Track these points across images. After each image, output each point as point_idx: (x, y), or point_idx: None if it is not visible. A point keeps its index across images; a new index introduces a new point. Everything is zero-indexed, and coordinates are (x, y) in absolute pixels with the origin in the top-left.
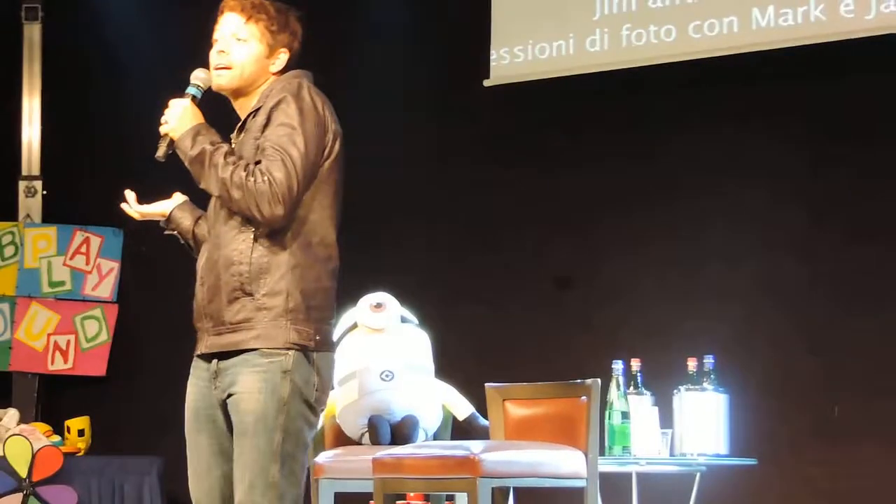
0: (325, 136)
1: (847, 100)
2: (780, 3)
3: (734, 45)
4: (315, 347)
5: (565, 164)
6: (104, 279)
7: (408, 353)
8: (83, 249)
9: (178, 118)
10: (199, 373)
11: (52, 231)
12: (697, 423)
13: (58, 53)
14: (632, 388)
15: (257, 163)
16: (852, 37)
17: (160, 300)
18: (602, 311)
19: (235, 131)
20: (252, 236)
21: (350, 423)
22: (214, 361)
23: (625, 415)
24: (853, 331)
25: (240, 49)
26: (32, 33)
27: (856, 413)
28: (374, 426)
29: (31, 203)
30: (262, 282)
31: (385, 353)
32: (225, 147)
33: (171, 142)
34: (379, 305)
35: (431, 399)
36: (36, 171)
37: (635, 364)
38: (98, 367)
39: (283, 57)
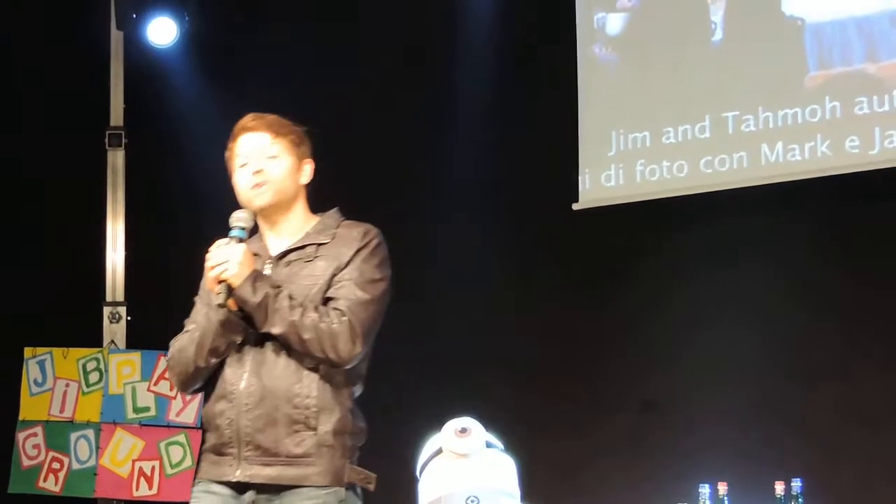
0: (390, 289)
1: None
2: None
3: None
4: (364, 486)
5: (649, 289)
6: (188, 405)
7: (493, 478)
8: (167, 375)
9: (239, 264)
10: (218, 499)
11: (136, 357)
12: None
13: (140, 179)
14: None
15: (328, 300)
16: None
17: None
18: (688, 434)
19: (274, 259)
20: (317, 374)
21: None
22: (251, 492)
23: None
24: None
25: (274, 165)
26: (116, 159)
27: None
28: None
29: (115, 329)
30: (325, 418)
31: (470, 478)
32: (285, 291)
33: (230, 288)
34: (464, 430)
35: None
36: (120, 296)
37: (722, 488)
38: (183, 493)
39: (308, 168)
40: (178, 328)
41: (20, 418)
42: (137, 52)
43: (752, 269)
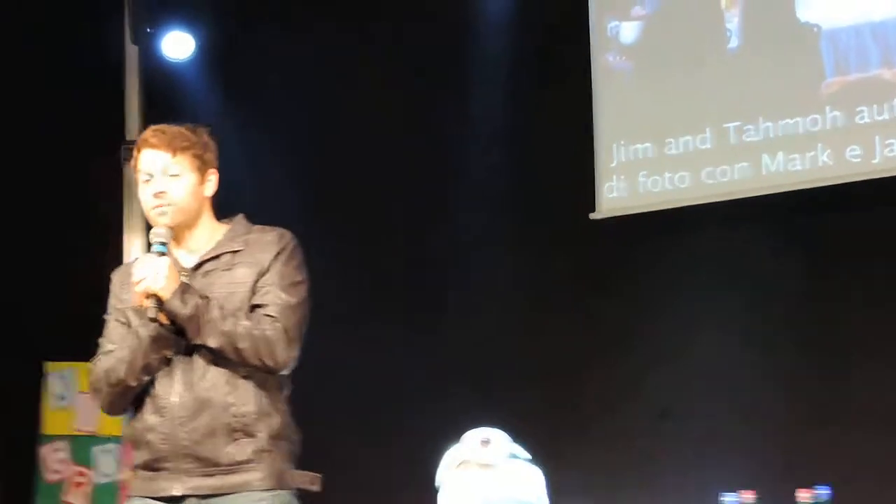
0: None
1: None
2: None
3: None
4: (308, 488)
5: (664, 296)
6: None
7: (517, 489)
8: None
9: (166, 278)
10: None
11: None
12: None
13: None
14: None
15: (255, 306)
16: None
17: None
18: (710, 443)
19: (189, 270)
20: (252, 381)
21: None
22: (193, 501)
23: None
24: None
25: (175, 185)
26: (132, 173)
27: None
28: None
29: None
30: (264, 424)
31: (494, 489)
32: (214, 300)
33: (159, 301)
34: (486, 441)
35: None
36: None
37: (747, 496)
38: None
39: (213, 178)
40: None
41: (43, 433)
42: (153, 67)
43: (769, 275)
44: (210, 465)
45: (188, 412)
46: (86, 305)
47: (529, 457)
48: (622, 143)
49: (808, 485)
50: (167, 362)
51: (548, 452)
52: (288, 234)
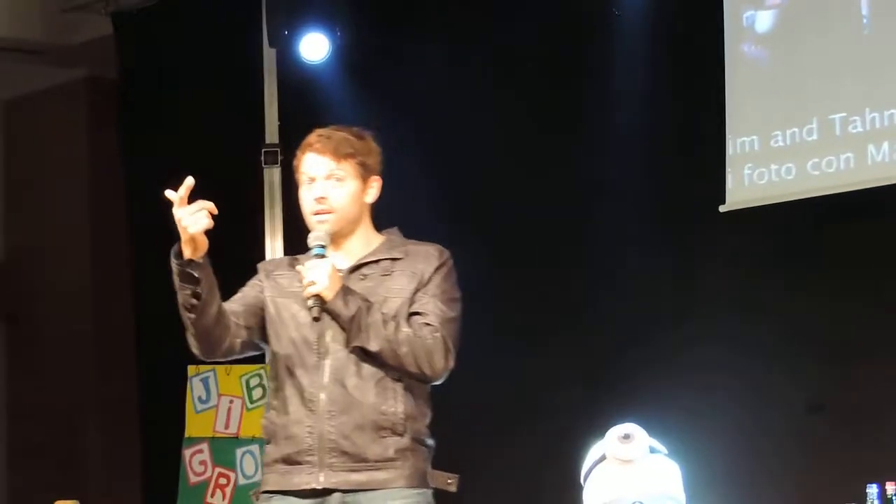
0: None
1: None
2: None
3: None
4: (446, 488)
5: (820, 286)
6: None
7: (658, 483)
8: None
9: (329, 279)
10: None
11: None
12: None
13: (296, 196)
14: None
15: (413, 314)
16: None
17: None
18: (855, 433)
19: (346, 272)
20: (402, 384)
21: None
22: (338, 495)
23: None
24: None
25: (338, 192)
26: (272, 176)
27: None
28: None
29: None
30: (411, 425)
31: (635, 483)
32: (376, 304)
33: (322, 302)
34: (627, 437)
35: None
36: None
37: (891, 487)
38: None
39: (375, 185)
40: None
41: (186, 435)
42: (291, 69)
43: None
44: (357, 461)
45: (337, 407)
46: None
47: (667, 451)
48: (757, 133)
49: None
50: (315, 357)
51: (686, 446)
52: (447, 252)
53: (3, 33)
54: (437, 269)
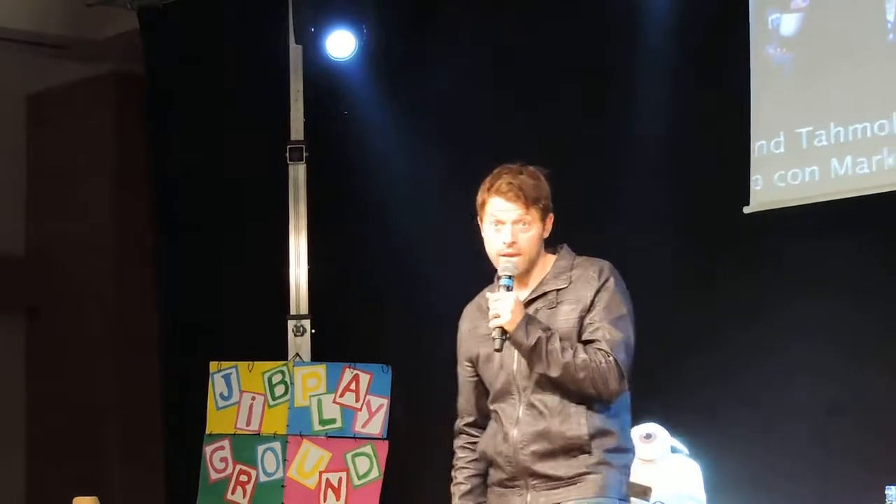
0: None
1: None
2: None
3: None
4: (640, 497)
5: (830, 288)
6: (374, 416)
7: (679, 483)
8: (353, 387)
9: (511, 311)
10: None
11: (321, 369)
12: None
13: (322, 193)
14: None
15: (587, 342)
16: None
17: (429, 436)
18: (876, 435)
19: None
20: (584, 406)
21: None
22: None
23: None
24: None
25: (525, 235)
26: (297, 173)
27: None
28: None
29: (300, 342)
30: (598, 442)
31: (656, 483)
32: (556, 333)
33: (504, 333)
34: (649, 436)
35: None
36: (304, 310)
37: None
38: None
39: (550, 222)
40: (361, 339)
41: (207, 432)
42: (316, 66)
43: None
44: (553, 481)
45: (527, 439)
46: (249, 306)
47: (688, 452)
48: (780, 136)
49: None
50: (506, 389)
51: (707, 447)
52: (607, 268)
53: (27, 27)
54: (598, 291)
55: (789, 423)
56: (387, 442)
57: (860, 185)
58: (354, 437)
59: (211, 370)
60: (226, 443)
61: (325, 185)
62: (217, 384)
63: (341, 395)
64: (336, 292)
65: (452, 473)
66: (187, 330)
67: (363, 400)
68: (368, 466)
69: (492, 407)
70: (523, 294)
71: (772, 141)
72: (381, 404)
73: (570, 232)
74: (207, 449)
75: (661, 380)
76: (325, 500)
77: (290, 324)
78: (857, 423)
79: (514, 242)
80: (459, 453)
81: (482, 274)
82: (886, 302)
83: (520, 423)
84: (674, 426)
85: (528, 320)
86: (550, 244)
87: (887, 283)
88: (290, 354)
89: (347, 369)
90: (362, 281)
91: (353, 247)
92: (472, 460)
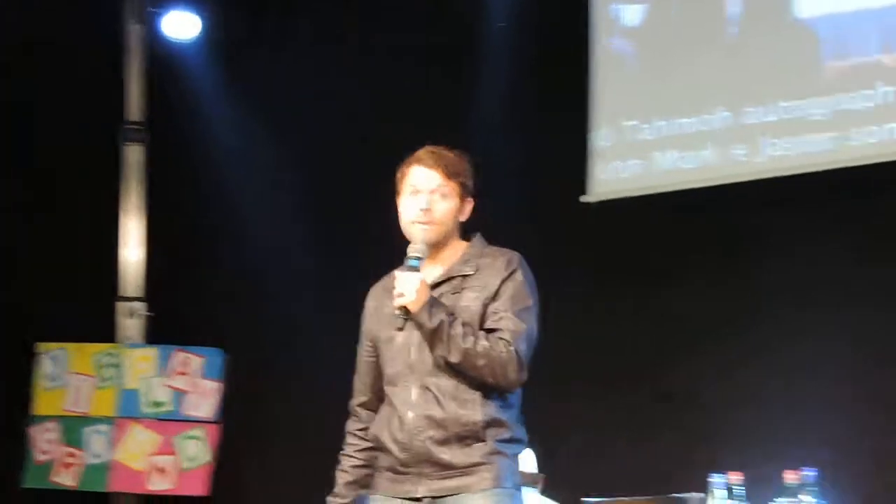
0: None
1: None
2: None
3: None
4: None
5: (664, 283)
6: (205, 399)
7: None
8: (185, 370)
9: (416, 291)
10: None
11: (152, 352)
12: None
13: (160, 175)
14: (731, 502)
15: (489, 331)
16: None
17: (262, 419)
18: (700, 424)
19: (431, 285)
20: (480, 393)
21: None
22: (426, 500)
23: None
24: None
25: (442, 206)
26: (133, 155)
27: None
28: None
29: (130, 324)
30: (494, 431)
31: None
32: (459, 318)
33: (407, 313)
34: None
35: None
36: (137, 292)
37: (735, 477)
38: (200, 487)
39: (468, 207)
40: (196, 323)
41: (34, 413)
42: (157, 47)
43: (770, 261)
44: (447, 469)
45: (422, 424)
46: (82, 288)
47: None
48: (621, 125)
49: (796, 467)
50: (403, 372)
51: (542, 432)
52: (516, 259)
53: None
54: (504, 280)
55: (617, 409)
56: (218, 426)
57: (697, 176)
58: (185, 421)
59: (38, 351)
60: (53, 424)
61: (163, 167)
62: (44, 365)
63: (172, 378)
64: (172, 276)
65: (339, 456)
66: (16, 311)
67: (195, 383)
68: (198, 450)
69: (386, 389)
70: (433, 275)
71: (611, 131)
72: (213, 388)
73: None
74: (33, 430)
75: None
76: (153, 482)
77: (121, 306)
78: (682, 412)
79: (429, 210)
80: (349, 439)
81: (319, 261)
82: (716, 289)
83: (414, 406)
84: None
85: (433, 302)
86: (465, 233)
87: (717, 271)
88: (121, 337)
89: (179, 352)
90: (199, 265)
91: (191, 230)
92: (361, 449)
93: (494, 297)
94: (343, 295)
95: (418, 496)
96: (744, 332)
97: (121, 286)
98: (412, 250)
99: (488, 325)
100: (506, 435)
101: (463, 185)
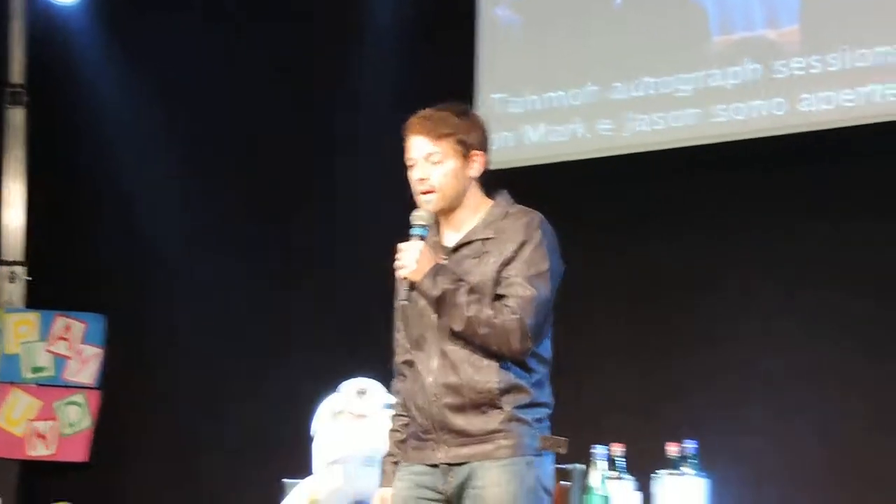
0: (560, 273)
1: None
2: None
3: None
4: (555, 450)
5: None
6: (87, 365)
7: None
8: (66, 335)
9: (417, 261)
10: (419, 479)
11: (34, 317)
12: None
13: (43, 138)
14: (613, 473)
15: (498, 297)
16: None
17: (144, 386)
18: (584, 395)
19: (449, 251)
20: (496, 360)
21: None
22: (444, 467)
23: (606, 500)
24: (821, 412)
25: (437, 171)
26: (15, 117)
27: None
28: None
29: (12, 288)
30: (511, 397)
31: (368, 439)
32: (465, 286)
33: (412, 284)
34: (362, 391)
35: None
36: (19, 256)
37: (617, 449)
38: (80, 454)
39: (478, 160)
40: (78, 288)
41: None
42: (39, 10)
43: (651, 235)
44: (463, 436)
45: (440, 391)
46: None
47: None
48: (506, 96)
49: (678, 439)
50: (422, 339)
51: None
52: (537, 221)
53: None
54: (522, 245)
55: None
56: (99, 391)
57: (581, 148)
58: (65, 386)
59: None
60: None
61: (46, 131)
62: None
63: (53, 344)
64: (54, 240)
65: (391, 417)
66: None
67: (76, 348)
68: (79, 415)
69: (411, 355)
70: (453, 238)
71: (489, 103)
72: (94, 353)
73: (291, 183)
74: None
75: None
76: (33, 448)
77: (3, 270)
78: (564, 384)
79: (423, 178)
80: (397, 398)
81: (203, 226)
82: (585, 265)
83: (433, 372)
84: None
85: (437, 270)
86: (492, 190)
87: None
88: (3, 301)
89: (61, 317)
90: (82, 229)
91: (73, 194)
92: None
93: (510, 261)
94: (227, 261)
95: (435, 462)
96: (622, 306)
97: (2, 250)
98: (414, 218)
99: (499, 290)
100: (525, 400)
101: (460, 142)
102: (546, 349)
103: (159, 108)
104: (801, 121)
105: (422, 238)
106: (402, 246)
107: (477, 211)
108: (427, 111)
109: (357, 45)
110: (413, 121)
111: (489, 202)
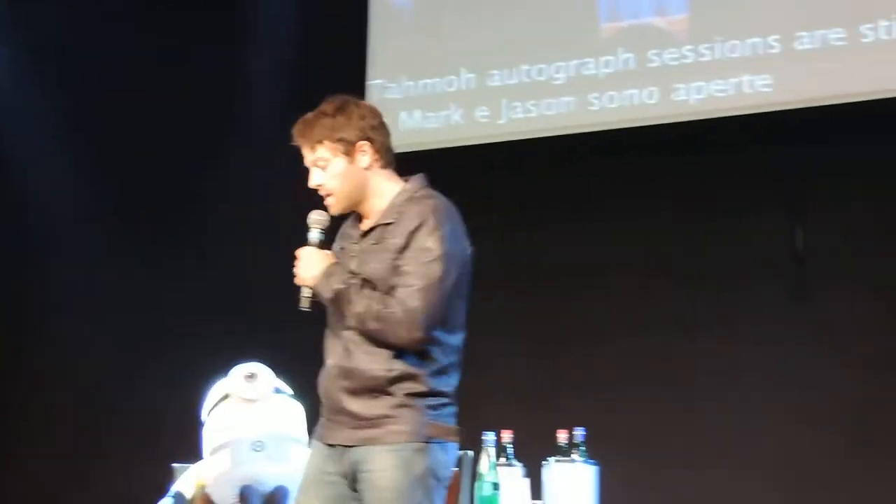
0: (462, 257)
1: None
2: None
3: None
4: (449, 439)
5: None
6: None
7: (280, 424)
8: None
9: (308, 267)
10: (323, 458)
11: None
12: (567, 495)
13: None
14: (502, 459)
15: (392, 287)
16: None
17: (22, 369)
18: (473, 381)
19: (358, 236)
20: (390, 349)
21: (221, 494)
22: (339, 449)
23: (495, 486)
24: (715, 399)
25: (325, 175)
26: None
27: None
28: (245, 497)
29: None
30: (404, 385)
31: (257, 423)
32: (356, 282)
33: (310, 290)
34: (252, 376)
35: (302, 470)
36: None
37: (506, 435)
38: None
39: (366, 149)
40: None
41: None
42: None
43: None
44: (357, 420)
45: (338, 374)
46: None
47: (292, 392)
48: (384, 81)
49: (567, 426)
50: (335, 327)
51: (309, 386)
52: (430, 206)
53: None
54: (415, 230)
55: None
56: None
57: (472, 133)
58: None
59: None
60: None
61: None
62: None
63: None
64: None
65: None
66: None
67: None
68: None
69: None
70: (365, 225)
71: (388, 86)
72: None
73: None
74: None
75: (267, 317)
76: None
77: None
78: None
79: (318, 185)
80: None
81: (91, 214)
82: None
83: (333, 355)
84: (279, 366)
85: (329, 272)
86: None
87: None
88: None
89: None
90: None
91: None
92: None
93: (404, 248)
94: (113, 239)
95: (333, 443)
96: (514, 292)
97: None
98: (311, 221)
99: (392, 281)
100: (418, 388)
101: (339, 141)
102: (453, 337)
103: (42, 79)
104: (673, 110)
105: (320, 241)
106: (298, 253)
107: (387, 197)
108: (305, 117)
109: (252, 32)
110: (295, 129)
111: (399, 186)
